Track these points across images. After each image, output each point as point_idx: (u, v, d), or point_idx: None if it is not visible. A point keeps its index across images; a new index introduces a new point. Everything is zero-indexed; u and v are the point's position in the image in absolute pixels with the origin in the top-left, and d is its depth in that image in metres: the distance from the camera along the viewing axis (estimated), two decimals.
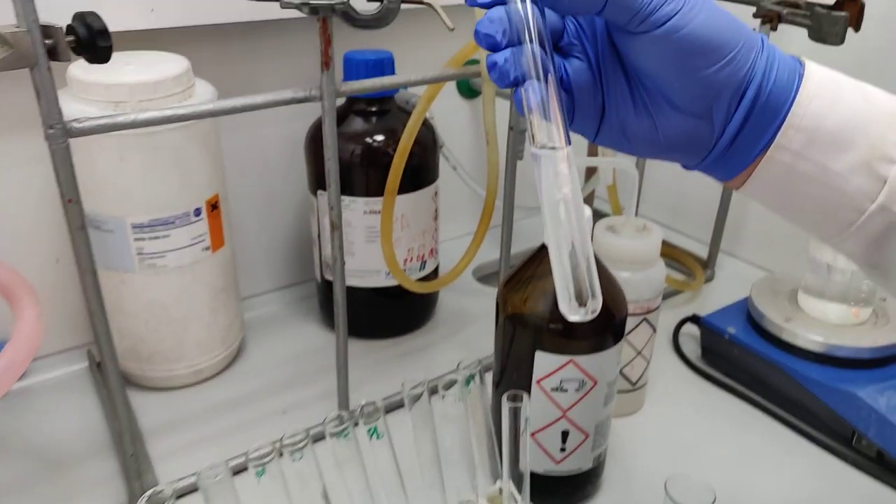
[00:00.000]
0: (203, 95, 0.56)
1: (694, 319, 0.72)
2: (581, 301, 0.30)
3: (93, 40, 0.36)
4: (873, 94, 0.34)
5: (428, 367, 0.69)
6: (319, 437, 0.38)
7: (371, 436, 0.39)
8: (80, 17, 0.36)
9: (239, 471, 0.53)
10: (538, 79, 0.32)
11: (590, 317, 0.30)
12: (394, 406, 0.63)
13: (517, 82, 0.32)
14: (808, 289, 0.64)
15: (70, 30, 0.36)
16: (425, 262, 0.72)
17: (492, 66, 0.33)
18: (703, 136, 0.35)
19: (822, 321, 0.62)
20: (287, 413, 0.63)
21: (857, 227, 0.34)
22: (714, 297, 0.81)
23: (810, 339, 0.60)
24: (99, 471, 0.56)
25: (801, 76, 0.34)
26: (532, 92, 0.32)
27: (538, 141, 0.32)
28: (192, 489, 0.51)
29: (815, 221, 0.35)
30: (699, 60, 0.32)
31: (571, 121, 0.36)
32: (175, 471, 0.55)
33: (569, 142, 0.32)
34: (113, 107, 0.51)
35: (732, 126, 0.34)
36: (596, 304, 0.30)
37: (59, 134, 0.37)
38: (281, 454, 0.37)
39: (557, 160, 0.31)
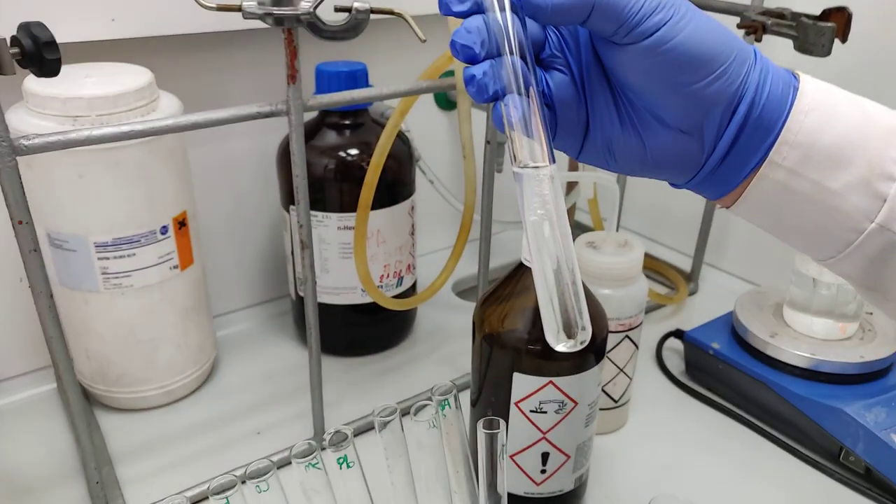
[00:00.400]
0: (168, 109, 0.54)
1: (677, 334, 0.71)
2: (569, 333, 0.28)
3: (39, 52, 0.34)
4: (871, 109, 0.33)
5: (407, 384, 0.67)
6: (286, 464, 0.36)
7: (341, 465, 0.37)
8: (25, 27, 0.34)
9: (201, 500, 0.52)
10: (519, 93, 0.30)
11: (578, 348, 0.28)
12: (367, 428, 0.61)
13: (496, 97, 0.31)
14: (793, 303, 0.63)
15: (14, 41, 0.34)
16: (402, 277, 0.70)
17: (469, 80, 0.31)
18: (693, 153, 0.33)
19: (808, 336, 0.61)
20: (262, 434, 0.61)
21: (854, 248, 0.32)
22: (698, 311, 0.79)
23: (796, 354, 0.59)
24: (67, 498, 0.54)
25: (795, 90, 0.32)
26: (513, 107, 0.30)
27: (520, 159, 0.30)
28: None
29: (809, 242, 0.34)
30: (688, 74, 0.31)
31: (553, 137, 0.34)
32: (146, 496, 0.54)
33: (553, 160, 0.30)
34: (71, 121, 0.49)
35: (723, 143, 0.32)
36: (585, 336, 0.28)
37: (6, 152, 0.35)
38: (244, 482, 0.35)
39: (541, 180, 0.30)
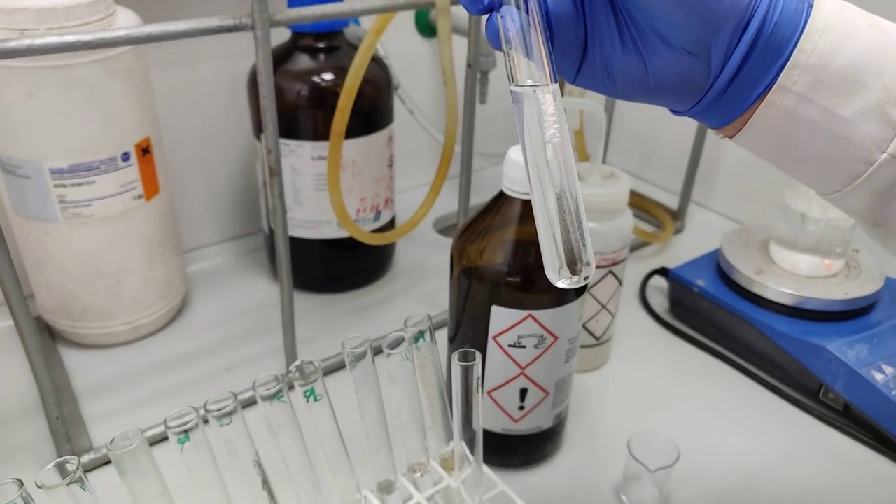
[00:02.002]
0: (125, 24, 0.50)
1: (662, 272, 0.69)
2: (573, 268, 0.26)
3: None
4: (890, 30, 0.30)
5: (385, 322, 0.65)
6: (251, 403, 0.35)
7: (308, 398, 0.36)
8: None
9: (161, 440, 0.50)
10: (517, 5, 0.28)
11: (581, 283, 0.26)
12: (340, 365, 0.59)
13: (492, 7, 0.28)
14: (780, 240, 0.61)
15: None
16: (380, 212, 0.67)
17: None
18: (698, 76, 0.30)
19: (794, 273, 0.60)
20: (233, 371, 0.60)
21: (863, 180, 0.30)
22: (684, 250, 0.78)
23: (781, 291, 0.58)
24: (28, 435, 0.52)
25: (810, 6, 0.29)
26: (510, 19, 0.28)
27: (519, 78, 0.28)
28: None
29: (816, 174, 0.32)
30: None
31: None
32: (112, 434, 0.51)
33: (555, 78, 0.28)
34: (18, 35, 0.45)
35: (731, 65, 0.30)
36: (589, 271, 0.26)
37: None
38: (206, 421, 0.33)
39: (543, 99, 0.27)
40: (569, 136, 0.27)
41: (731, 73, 0.30)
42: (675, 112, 0.33)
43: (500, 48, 0.29)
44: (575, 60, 0.32)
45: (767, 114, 0.30)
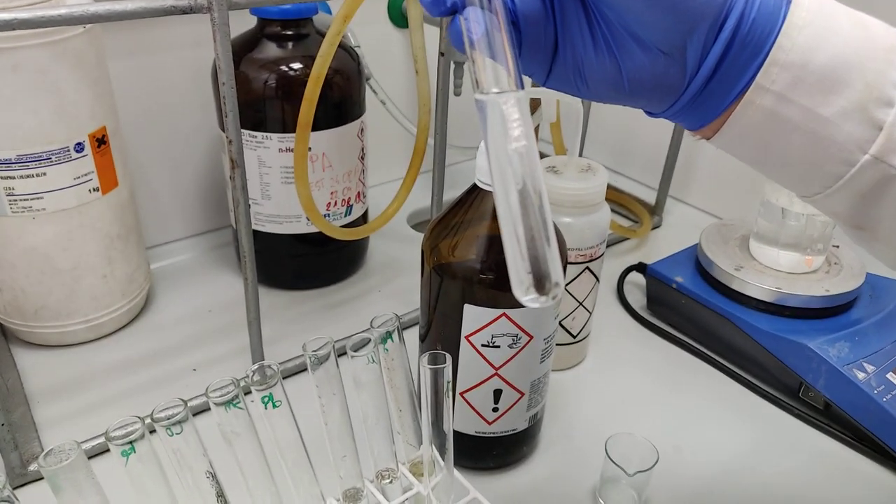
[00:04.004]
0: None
1: (640, 268, 0.68)
2: (542, 289, 0.24)
3: None
4: (873, 25, 0.29)
5: (356, 320, 0.63)
6: (205, 409, 0.32)
7: (266, 404, 0.33)
8: None
9: (101, 452, 0.48)
10: (482, 6, 0.26)
11: (550, 303, 0.24)
12: (305, 367, 0.57)
13: (455, 9, 0.27)
14: (760, 235, 0.60)
15: None
16: (351, 206, 0.65)
17: None
18: (673, 77, 0.29)
19: (774, 269, 0.59)
20: (198, 371, 0.57)
21: (844, 182, 0.29)
22: (661, 245, 0.77)
23: (761, 287, 0.57)
24: None
25: (789, 1, 0.28)
26: (474, 22, 0.26)
27: (483, 85, 0.26)
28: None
29: (796, 176, 0.31)
30: None
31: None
32: (66, 439, 0.49)
33: (521, 85, 0.26)
34: None
35: (707, 65, 0.28)
36: (558, 291, 0.24)
37: None
38: (153, 430, 0.31)
39: (508, 107, 0.25)
40: (535, 144, 0.25)
41: (708, 73, 0.29)
42: (650, 114, 0.32)
43: (464, 51, 0.27)
44: (545, 62, 0.30)
45: (745, 114, 0.29)
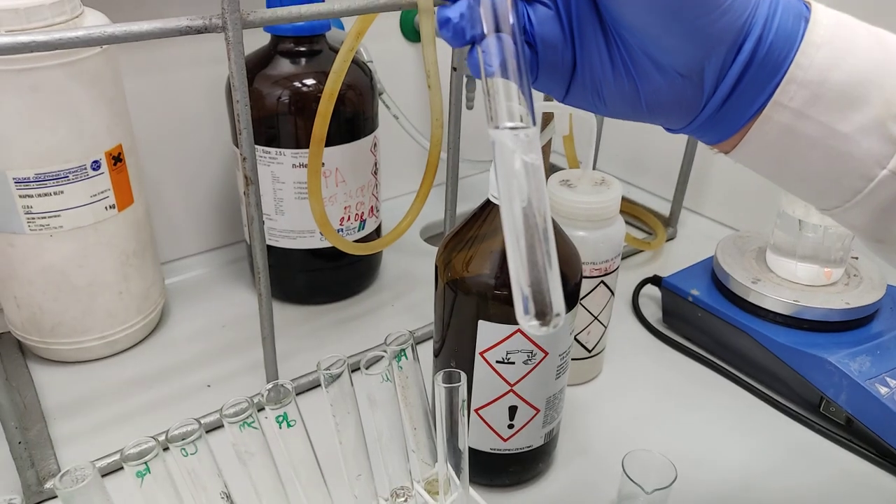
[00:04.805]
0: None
1: (655, 281, 0.67)
2: (543, 320, 0.25)
3: None
4: (890, 42, 0.29)
5: (370, 334, 0.63)
6: (217, 426, 0.32)
7: (281, 424, 0.33)
8: None
9: (114, 470, 0.48)
10: (500, 40, 0.27)
11: (552, 332, 0.25)
12: (313, 385, 0.57)
13: (474, 41, 0.27)
14: (777, 247, 0.59)
15: None
16: (365, 221, 0.65)
17: (444, 23, 0.27)
18: (691, 97, 0.29)
19: (792, 282, 0.58)
20: (212, 387, 0.57)
21: (863, 197, 0.29)
22: (676, 257, 0.76)
23: (779, 300, 0.56)
24: None
25: (806, 21, 0.28)
26: (494, 55, 0.26)
27: (497, 119, 0.26)
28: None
29: (814, 190, 0.31)
30: (692, 8, 0.26)
31: (535, 79, 0.30)
32: (83, 455, 0.49)
33: (534, 121, 0.26)
34: None
35: (725, 85, 0.29)
36: (559, 321, 0.25)
37: None
38: (167, 449, 0.31)
39: (520, 144, 0.26)
40: (544, 182, 0.26)
41: (726, 93, 0.29)
42: (669, 130, 0.32)
43: (482, 80, 0.27)
44: (563, 82, 0.31)
45: (763, 130, 0.29)
